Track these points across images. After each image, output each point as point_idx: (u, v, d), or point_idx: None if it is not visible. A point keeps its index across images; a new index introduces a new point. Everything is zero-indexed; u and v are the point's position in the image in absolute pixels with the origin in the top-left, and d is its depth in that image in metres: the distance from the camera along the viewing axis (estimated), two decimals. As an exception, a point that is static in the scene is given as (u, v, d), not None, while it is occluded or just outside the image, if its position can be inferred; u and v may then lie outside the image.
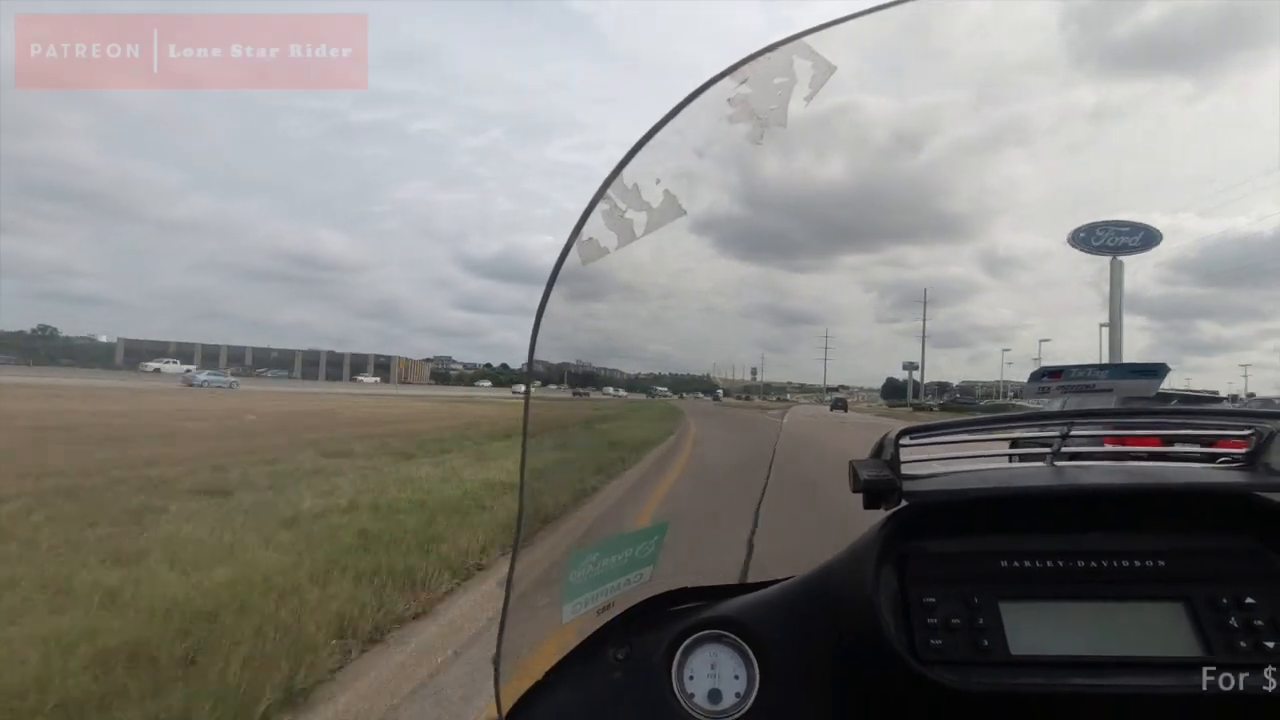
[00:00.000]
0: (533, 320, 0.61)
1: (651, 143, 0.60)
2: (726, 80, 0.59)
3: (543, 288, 0.61)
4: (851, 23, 0.56)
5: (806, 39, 0.57)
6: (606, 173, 0.61)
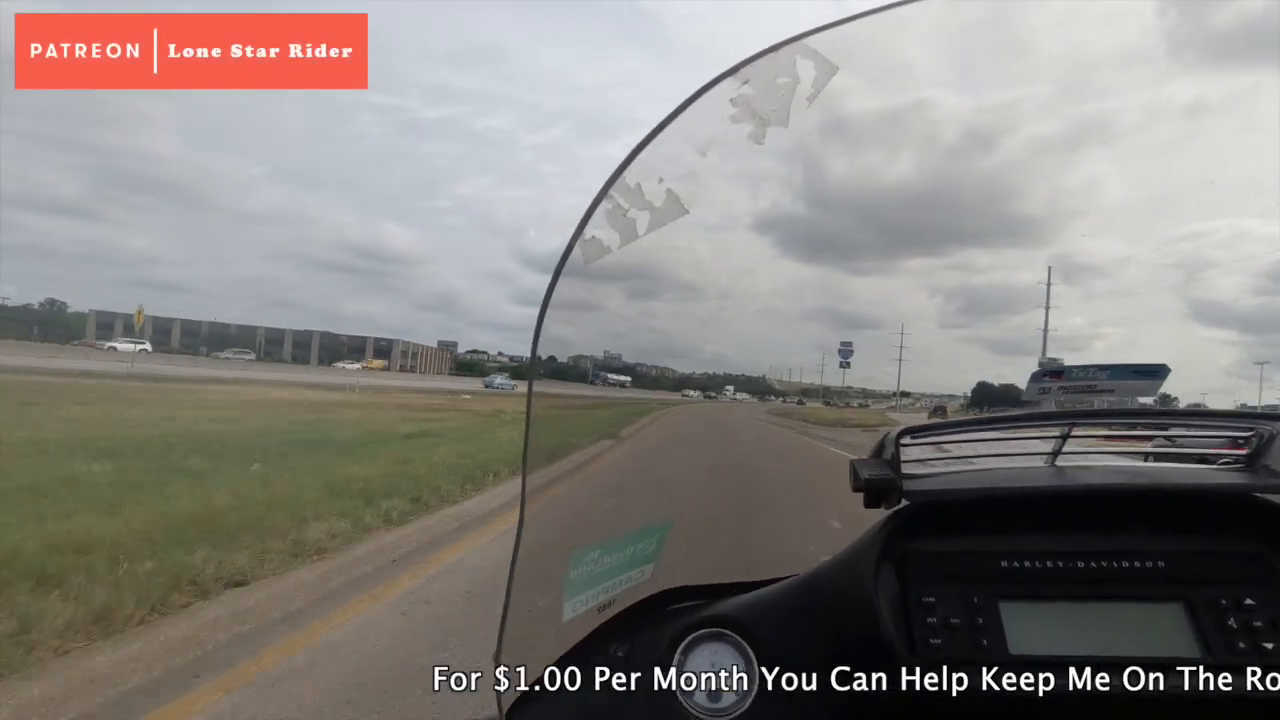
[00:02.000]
0: (588, 317, 0.61)
1: (655, 143, 0.61)
2: (729, 81, 0.60)
3: (600, 284, 0.61)
4: (927, 15, 0.54)
5: (808, 39, 0.58)
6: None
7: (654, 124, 0.60)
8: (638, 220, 0.62)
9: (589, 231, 0.61)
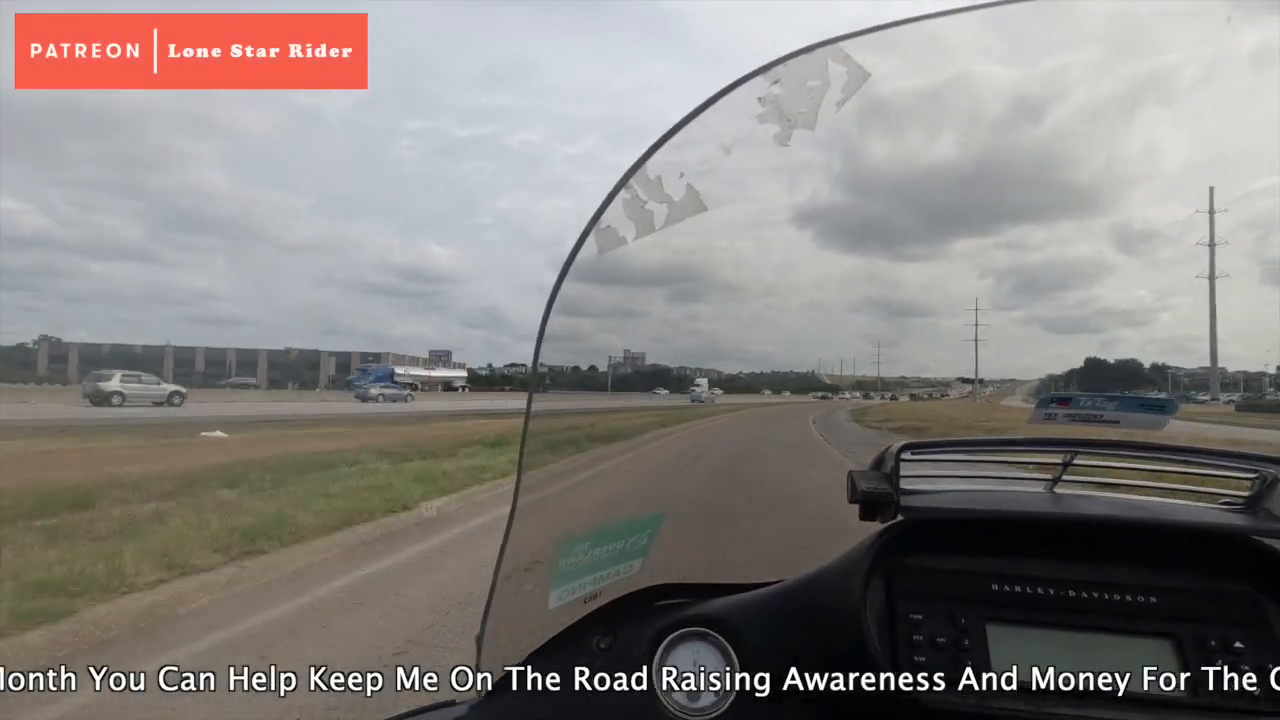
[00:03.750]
0: (631, 322, 0.60)
1: (677, 138, 0.59)
2: (758, 79, 0.59)
3: (640, 289, 0.59)
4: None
5: (843, 44, 0.57)
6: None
7: (685, 126, 0.58)
8: (655, 213, 0.60)
9: (605, 221, 0.59)
